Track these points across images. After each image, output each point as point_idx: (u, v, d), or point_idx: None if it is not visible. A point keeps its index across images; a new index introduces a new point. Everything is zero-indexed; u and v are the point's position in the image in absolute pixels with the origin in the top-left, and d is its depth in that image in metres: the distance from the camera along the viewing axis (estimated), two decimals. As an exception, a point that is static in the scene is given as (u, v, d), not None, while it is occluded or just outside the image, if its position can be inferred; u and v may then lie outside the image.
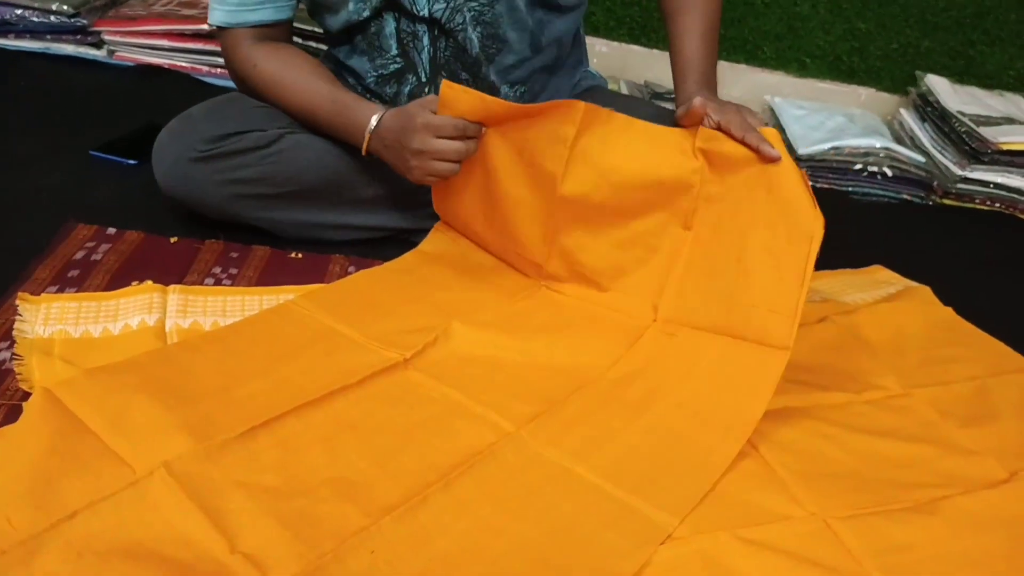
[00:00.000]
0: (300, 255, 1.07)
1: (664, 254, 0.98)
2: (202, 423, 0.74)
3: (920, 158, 1.70)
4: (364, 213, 1.11)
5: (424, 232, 1.13)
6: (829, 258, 1.28)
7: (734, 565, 0.71)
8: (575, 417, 0.84)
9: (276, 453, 0.73)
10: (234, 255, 1.05)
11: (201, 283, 0.98)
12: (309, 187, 1.05)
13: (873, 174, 1.66)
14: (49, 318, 0.86)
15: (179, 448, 0.70)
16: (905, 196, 1.67)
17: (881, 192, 1.67)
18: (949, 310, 1.20)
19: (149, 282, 0.94)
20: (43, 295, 0.90)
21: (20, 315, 0.86)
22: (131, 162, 1.25)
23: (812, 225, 0.87)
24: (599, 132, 0.93)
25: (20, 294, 0.88)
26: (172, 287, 0.94)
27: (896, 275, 1.30)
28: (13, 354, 0.81)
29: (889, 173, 1.66)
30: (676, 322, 0.95)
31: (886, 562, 0.74)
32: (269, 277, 1.01)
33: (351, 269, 1.06)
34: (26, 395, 0.76)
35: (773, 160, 0.89)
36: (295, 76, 1.03)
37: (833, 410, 0.94)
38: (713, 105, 0.92)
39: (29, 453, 0.68)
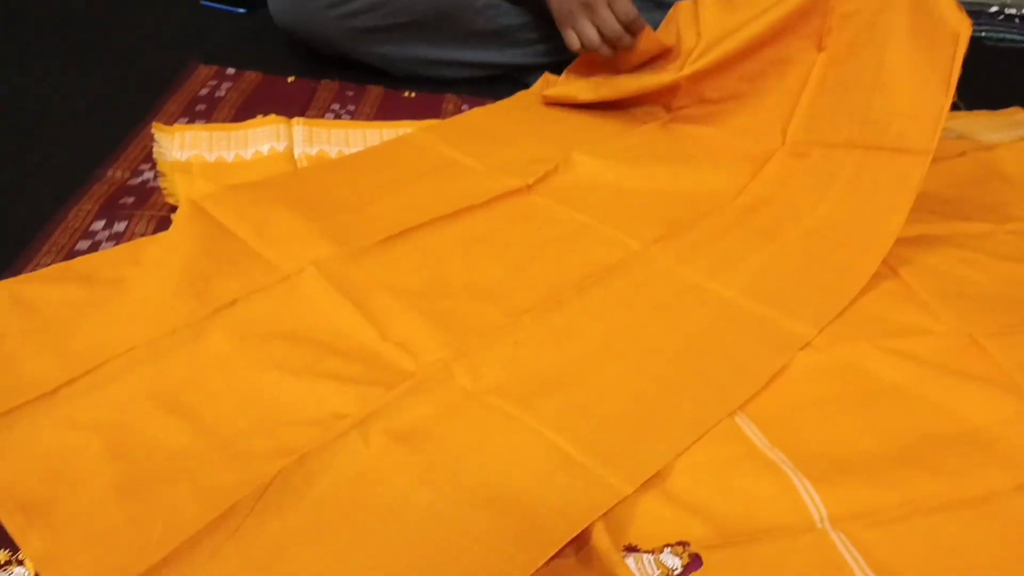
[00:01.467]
0: (413, 94, 1.06)
1: (794, 78, 0.94)
2: (341, 232, 0.76)
3: (1065, -3, 1.55)
4: (477, 49, 1.09)
5: (537, 69, 1.10)
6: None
7: (876, 372, 0.69)
8: (702, 240, 0.82)
9: (414, 260, 0.75)
10: (350, 93, 1.05)
11: (321, 118, 0.98)
12: (422, 17, 1.03)
13: (1010, 17, 1.52)
14: (184, 145, 0.89)
15: (322, 253, 0.72)
16: (1043, 40, 1.53)
17: (1018, 36, 1.54)
18: (1095, 151, 1.11)
19: (273, 115, 0.95)
20: (176, 125, 0.92)
21: (157, 142, 0.88)
22: (240, 10, 1.25)
23: (958, 26, 0.81)
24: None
25: (155, 124, 0.91)
26: (296, 119, 0.95)
27: (1037, 116, 1.20)
28: (157, 172, 0.84)
29: (1028, 15, 1.52)
30: (807, 143, 0.91)
31: (1038, 376, 0.71)
32: (385, 115, 1.01)
33: (464, 107, 1.05)
34: (172, 208, 0.79)
35: None
36: None
37: (975, 239, 0.89)
38: None
39: (184, 254, 0.71)
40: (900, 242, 0.83)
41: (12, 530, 0.50)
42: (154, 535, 0.49)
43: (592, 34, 0.92)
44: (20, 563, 0.48)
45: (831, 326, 0.74)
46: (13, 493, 0.52)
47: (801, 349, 0.71)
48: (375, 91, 1.06)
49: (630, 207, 0.87)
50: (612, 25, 0.91)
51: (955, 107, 1.14)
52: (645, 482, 0.56)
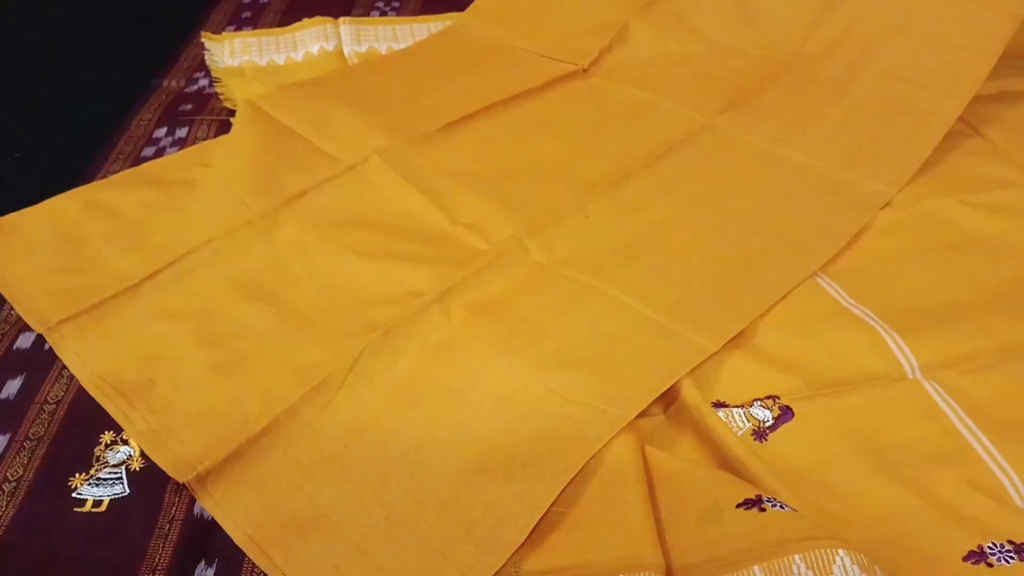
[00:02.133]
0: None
1: None
2: (399, 123, 0.75)
3: None
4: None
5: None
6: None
7: (962, 224, 0.67)
8: (772, 105, 0.79)
9: (474, 146, 0.74)
10: (394, -9, 1.02)
11: (367, 16, 0.96)
12: None
13: None
14: (234, 52, 0.88)
15: (383, 143, 0.72)
16: None
17: None
18: None
19: (319, 16, 0.93)
20: (224, 33, 0.91)
21: (207, 50, 0.88)
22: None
23: None
24: None
25: (204, 33, 0.90)
26: (342, 19, 0.93)
27: None
28: (212, 79, 0.84)
29: None
30: None
31: None
32: (429, 8, 0.99)
33: (510, -4, 1.01)
34: (231, 112, 0.79)
35: None
36: None
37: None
38: None
39: (248, 152, 0.71)
40: (979, 99, 0.79)
41: (114, 413, 0.52)
42: (251, 410, 0.51)
43: None
44: (124, 442, 0.50)
45: (911, 185, 0.71)
46: (112, 379, 0.54)
47: (882, 208, 0.68)
48: None
49: (692, 78, 0.83)
50: None
51: None
52: (730, 341, 0.55)
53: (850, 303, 0.60)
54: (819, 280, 0.62)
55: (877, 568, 0.40)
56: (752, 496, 0.44)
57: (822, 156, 0.72)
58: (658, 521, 0.44)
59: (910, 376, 0.54)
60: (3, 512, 0.46)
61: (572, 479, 0.46)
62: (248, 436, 0.49)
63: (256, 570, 0.44)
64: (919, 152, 0.72)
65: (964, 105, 0.74)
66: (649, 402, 0.50)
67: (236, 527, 0.46)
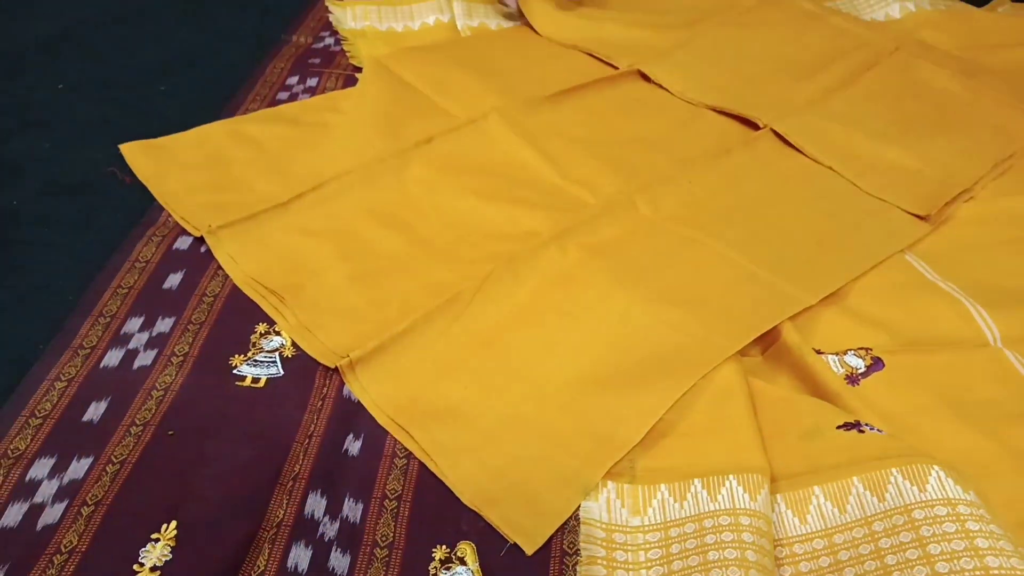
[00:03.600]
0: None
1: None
2: (511, 90, 0.81)
3: None
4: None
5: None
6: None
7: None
8: (862, 91, 0.83)
9: (582, 114, 0.79)
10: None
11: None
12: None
13: None
14: (356, 17, 0.94)
15: (498, 104, 0.77)
16: None
17: None
18: None
19: (433, -8, 0.99)
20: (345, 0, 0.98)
21: (332, 12, 0.94)
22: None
23: None
24: None
25: (326, -1, 0.97)
26: (454, -4, 0.99)
27: None
28: (339, 38, 0.90)
29: None
30: None
31: None
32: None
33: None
34: (356, 69, 0.85)
35: None
36: None
37: None
38: None
39: (377, 102, 0.77)
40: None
41: (267, 308, 0.58)
42: (391, 313, 0.56)
43: None
44: (277, 333, 0.56)
45: (994, 183, 0.75)
46: (262, 281, 0.59)
47: (964, 202, 0.72)
48: None
49: (787, 67, 0.88)
50: None
51: None
52: (826, 299, 0.60)
53: (936, 278, 0.64)
54: (907, 257, 0.66)
55: (969, 486, 0.44)
56: (852, 420, 0.48)
57: (907, 150, 0.77)
58: (761, 435, 0.49)
59: (992, 344, 0.58)
60: (173, 380, 0.52)
61: (683, 395, 0.50)
62: (391, 334, 0.54)
63: (398, 445, 0.50)
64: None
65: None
66: (752, 338, 0.55)
67: (380, 409, 0.51)
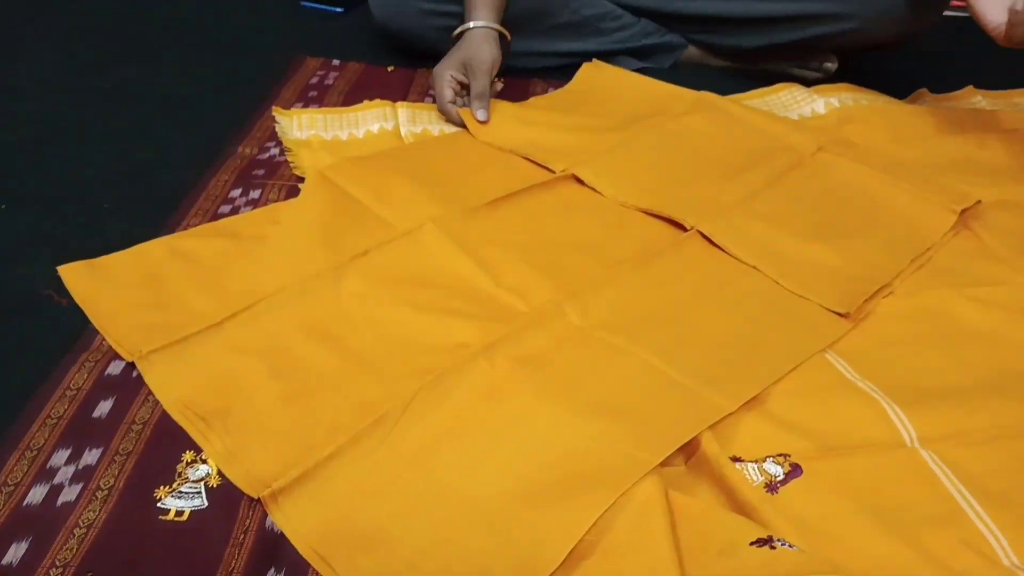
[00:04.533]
0: (503, 82, 1.14)
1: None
2: (450, 197, 0.83)
3: None
4: (562, 40, 1.16)
5: (616, 55, 1.17)
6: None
7: (960, 315, 0.73)
8: (782, 192, 0.87)
9: (518, 220, 0.82)
10: (445, 80, 1.12)
11: (421, 102, 1.06)
12: (511, 16, 1.09)
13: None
14: (302, 126, 0.97)
15: (436, 213, 0.80)
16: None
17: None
18: None
19: (379, 99, 1.03)
20: (293, 109, 1.01)
21: (278, 123, 0.97)
22: (338, 10, 1.35)
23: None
24: None
25: (274, 108, 1.00)
26: (399, 103, 1.03)
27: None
28: (283, 148, 0.93)
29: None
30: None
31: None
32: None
33: (550, 91, 1.11)
34: (299, 179, 0.87)
35: None
36: None
37: (1053, 204, 0.92)
38: None
39: (316, 214, 0.80)
40: (979, 204, 0.87)
41: (194, 434, 0.58)
42: (318, 437, 0.57)
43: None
44: (204, 462, 0.56)
45: (912, 277, 0.78)
46: (192, 405, 0.60)
47: (884, 298, 0.75)
48: (495, 84, 1.12)
49: (715, 169, 0.91)
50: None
51: (824, 70, 1.16)
52: (746, 404, 0.62)
53: (855, 377, 0.66)
54: (828, 356, 0.68)
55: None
56: (764, 536, 0.49)
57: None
58: (680, 553, 0.49)
59: (909, 445, 0.60)
60: (96, 517, 0.52)
61: (604, 512, 0.51)
62: (316, 460, 0.54)
63: (320, 577, 0.50)
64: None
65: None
66: (673, 450, 0.56)
67: (302, 539, 0.51)
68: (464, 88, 0.99)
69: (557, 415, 0.58)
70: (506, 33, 1.03)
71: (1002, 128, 1.06)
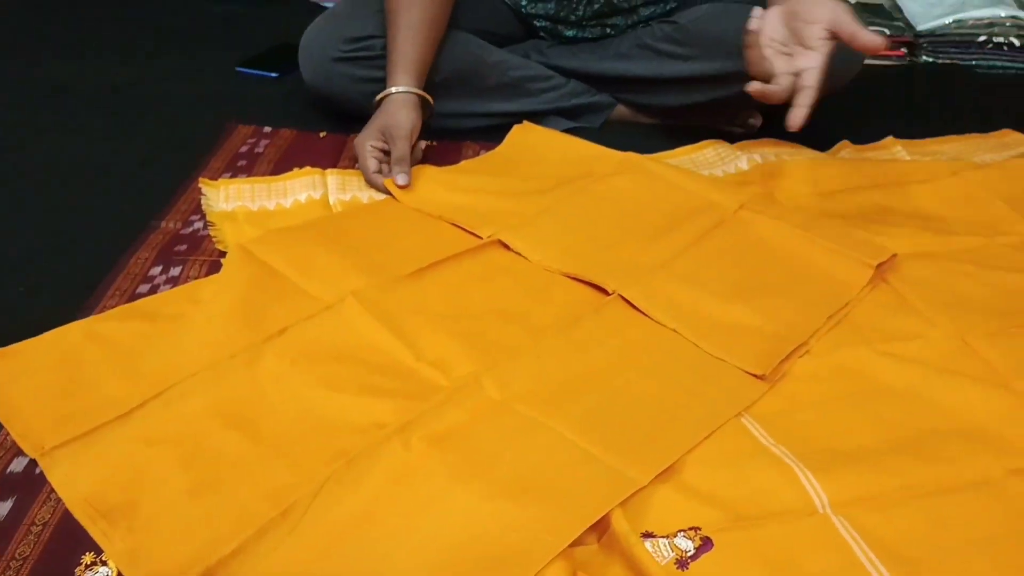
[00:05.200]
0: (434, 143, 1.15)
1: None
2: (374, 267, 0.83)
3: (1051, 24, 1.61)
4: (492, 101, 1.18)
5: (546, 115, 1.19)
6: (953, 130, 1.27)
7: (874, 374, 0.75)
8: (703, 256, 0.88)
9: (442, 289, 0.82)
10: (377, 145, 1.13)
11: (352, 168, 1.07)
12: (441, 79, 1.11)
13: (999, 45, 1.59)
14: (229, 197, 0.97)
15: (359, 285, 0.80)
16: (1034, 66, 1.60)
17: (1008, 64, 1.61)
18: (1088, 165, 1.16)
19: (308, 167, 1.03)
20: (220, 180, 1.01)
21: (204, 195, 0.97)
22: (273, 75, 1.36)
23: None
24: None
25: (201, 179, 1.00)
26: (330, 170, 1.03)
27: (1028, 137, 1.26)
28: (206, 222, 0.92)
29: (1017, 43, 1.59)
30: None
31: (1030, 374, 0.75)
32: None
33: (482, 152, 1.13)
34: (221, 254, 0.87)
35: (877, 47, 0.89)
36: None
37: (967, 252, 0.95)
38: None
39: (236, 291, 0.79)
40: (896, 257, 0.90)
41: (95, 535, 0.57)
42: (223, 531, 0.56)
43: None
44: (104, 563, 0.55)
45: (829, 334, 0.80)
46: (94, 502, 0.58)
47: (800, 357, 0.76)
48: (418, 148, 1.13)
49: (638, 231, 0.93)
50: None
51: (748, 126, 1.21)
52: (660, 475, 0.62)
53: (769, 442, 0.67)
54: (744, 420, 0.69)
55: None
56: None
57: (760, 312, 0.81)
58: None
59: (821, 511, 0.60)
60: (-13, 627, 0.50)
61: (511, 601, 0.51)
62: (219, 556, 0.53)
63: None
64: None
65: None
66: (580, 532, 0.56)
67: (203, 643, 0.50)
68: (387, 155, 0.99)
69: (469, 498, 0.58)
70: (427, 97, 1.04)
71: (921, 178, 1.09)
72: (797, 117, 0.91)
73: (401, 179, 0.97)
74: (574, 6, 1.19)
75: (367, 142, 0.99)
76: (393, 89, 1.02)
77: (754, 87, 0.94)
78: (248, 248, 0.85)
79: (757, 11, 0.97)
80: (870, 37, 0.89)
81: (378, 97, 1.03)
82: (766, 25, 0.95)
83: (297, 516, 0.56)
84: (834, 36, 0.91)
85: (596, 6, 1.18)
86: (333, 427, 0.65)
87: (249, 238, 0.87)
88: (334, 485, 0.58)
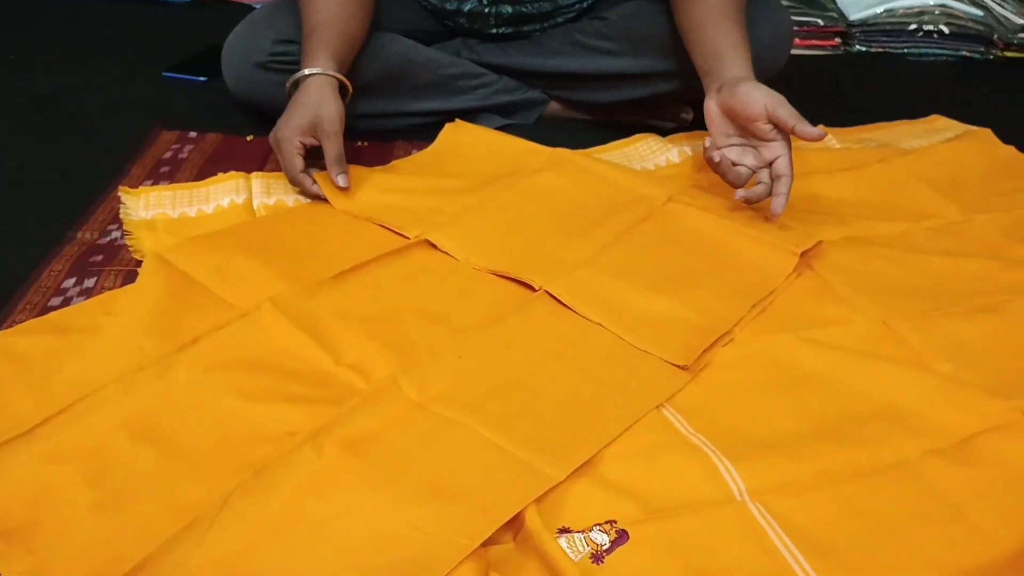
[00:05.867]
0: (366, 143, 1.14)
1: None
2: (296, 271, 0.82)
3: (978, 12, 1.65)
4: (422, 100, 1.17)
5: (478, 112, 1.19)
6: (885, 118, 1.29)
7: (797, 360, 0.75)
8: (633, 248, 0.88)
9: (366, 291, 0.81)
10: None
11: (279, 171, 1.05)
12: (371, 79, 1.10)
13: (929, 33, 1.63)
14: (149, 205, 0.95)
15: (278, 290, 0.78)
16: (964, 53, 1.64)
17: (938, 51, 1.64)
18: (1011, 148, 1.18)
19: (233, 171, 1.01)
20: (141, 187, 0.98)
21: (123, 203, 0.94)
22: (201, 79, 1.33)
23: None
24: None
25: (121, 187, 0.97)
26: (255, 173, 1.01)
27: (955, 122, 1.29)
28: (124, 231, 0.90)
29: (946, 31, 1.63)
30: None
31: (948, 354, 0.77)
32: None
33: (413, 151, 1.12)
34: (138, 263, 0.85)
35: (818, 139, 0.86)
36: None
37: (893, 237, 0.96)
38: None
39: (150, 301, 0.77)
40: (822, 244, 0.90)
41: (-7, 558, 0.54)
42: (127, 548, 0.54)
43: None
44: (3, 585, 0.53)
45: (753, 322, 0.80)
46: (-5, 523, 0.56)
47: (724, 347, 0.77)
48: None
49: (567, 226, 0.92)
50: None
51: (680, 120, 1.21)
52: (579, 469, 0.62)
53: (689, 432, 0.67)
54: (665, 411, 0.69)
55: None
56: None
57: (686, 303, 0.81)
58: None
59: (738, 499, 0.61)
60: None
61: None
62: (121, 574, 0.52)
63: None
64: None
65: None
66: (491, 531, 0.55)
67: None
68: (311, 151, 0.96)
69: (381, 504, 0.57)
70: (347, 83, 0.99)
71: (848, 166, 1.11)
72: (779, 205, 0.87)
73: (341, 180, 0.93)
74: (486, 20, 1.17)
75: (294, 138, 0.93)
76: (308, 71, 0.95)
77: (740, 195, 0.89)
78: (164, 256, 0.82)
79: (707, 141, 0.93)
80: (811, 131, 0.85)
81: (293, 79, 0.96)
82: (717, 137, 0.92)
83: (203, 530, 0.55)
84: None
85: (506, 16, 1.16)
86: (245, 437, 0.63)
87: (167, 246, 0.85)
88: (242, 496, 0.57)
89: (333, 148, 0.94)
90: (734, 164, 0.90)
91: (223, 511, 0.56)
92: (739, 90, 0.88)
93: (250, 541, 0.55)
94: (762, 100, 0.86)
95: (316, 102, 0.95)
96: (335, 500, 0.57)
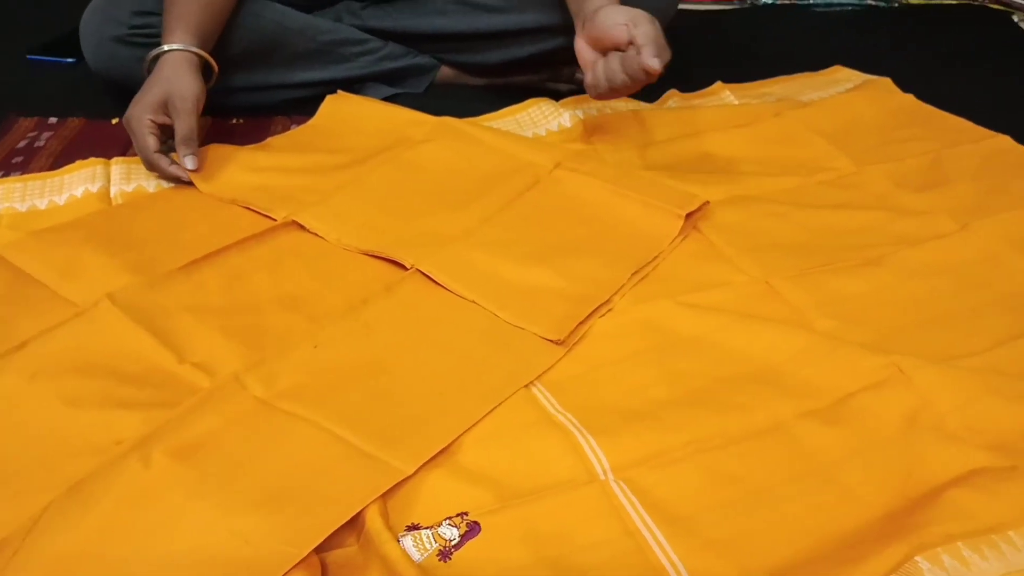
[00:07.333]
0: (241, 120, 1.07)
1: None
2: (146, 262, 0.76)
3: (881, -41, 1.64)
4: (303, 69, 1.10)
5: (363, 81, 1.13)
6: (789, 72, 1.27)
7: (673, 326, 0.72)
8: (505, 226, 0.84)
9: (221, 280, 0.75)
10: (176, 128, 1.04)
11: (142, 155, 0.98)
12: (245, 48, 1.03)
13: (835, -18, 1.61)
14: (-5, 199, 0.88)
15: (121, 284, 0.72)
16: (870, 1, 1.62)
17: (844, 0, 1.62)
18: (910, 96, 1.17)
19: (92, 158, 0.94)
20: (-11, 180, 0.91)
21: (-34, 199, 0.87)
22: (69, 60, 1.24)
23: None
24: None
25: (-34, 181, 0.90)
26: (115, 159, 0.95)
27: (857, 72, 1.27)
28: (-40, 231, 0.83)
29: (851, -21, 1.61)
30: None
31: (830, 310, 0.75)
32: (214, 144, 1.01)
33: (293, 127, 1.06)
34: (-22, 263, 0.78)
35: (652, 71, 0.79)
36: None
37: (783, 193, 0.94)
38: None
39: (-20, 304, 0.71)
40: (709, 205, 0.88)
41: None
42: (-80, 581, 0.49)
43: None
44: None
45: (635, 289, 0.77)
46: None
47: (602, 317, 0.73)
48: (203, 122, 1.06)
49: (447, 199, 0.88)
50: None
51: (576, 81, 1.17)
52: (435, 459, 0.58)
53: (557, 410, 0.64)
54: (534, 389, 0.66)
55: None
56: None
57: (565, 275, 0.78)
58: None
59: (601, 477, 0.58)
60: None
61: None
62: (-93, 613, 0.47)
63: None
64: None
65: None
66: (323, 537, 0.51)
67: None
68: (167, 131, 0.89)
69: (208, 515, 0.52)
70: (210, 60, 0.93)
71: (743, 122, 1.08)
72: (648, 55, 0.79)
73: (189, 161, 0.88)
74: None
75: (144, 116, 0.87)
76: (167, 47, 0.89)
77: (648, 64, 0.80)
78: (2, 254, 0.76)
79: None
80: (650, 62, 0.78)
81: (151, 55, 0.90)
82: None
83: (9, 553, 0.50)
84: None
85: None
86: (69, 450, 0.58)
87: (5, 242, 0.78)
88: (54, 516, 0.52)
89: (184, 126, 0.87)
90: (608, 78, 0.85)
91: (32, 534, 0.51)
92: (598, 16, 0.84)
93: (66, 563, 0.50)
94: (621, 20, 0.81)
95: (168, 79, 0.88)
96: (158, 514, 0.53)
